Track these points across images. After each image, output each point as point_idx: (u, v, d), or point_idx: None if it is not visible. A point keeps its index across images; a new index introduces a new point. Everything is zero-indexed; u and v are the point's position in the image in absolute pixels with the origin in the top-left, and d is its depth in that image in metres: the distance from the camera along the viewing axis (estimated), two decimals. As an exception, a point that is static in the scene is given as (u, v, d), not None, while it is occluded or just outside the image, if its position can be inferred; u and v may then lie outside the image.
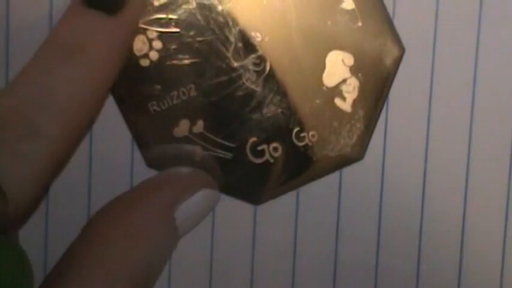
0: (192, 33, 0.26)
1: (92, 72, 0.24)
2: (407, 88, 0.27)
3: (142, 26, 0.26)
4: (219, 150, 0.27)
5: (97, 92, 0.24)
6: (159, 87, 0.26)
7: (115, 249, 0.25)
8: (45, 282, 0.25)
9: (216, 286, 0.28)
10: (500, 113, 0.27)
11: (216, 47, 0.26)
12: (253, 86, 0.26)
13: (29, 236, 0.27)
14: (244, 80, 0.26)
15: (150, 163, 0.27)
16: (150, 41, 0.26)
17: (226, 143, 0.27)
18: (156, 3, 0.26)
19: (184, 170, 0.27)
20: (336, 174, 0.27)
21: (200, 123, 0.27)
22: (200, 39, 0.26)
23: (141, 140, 0.27)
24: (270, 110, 0.27)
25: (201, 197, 0.26)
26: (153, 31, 0.26)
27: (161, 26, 0.26)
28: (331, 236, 0.28)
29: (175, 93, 0.26)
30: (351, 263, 0.28)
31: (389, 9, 0.27)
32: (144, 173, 0.27)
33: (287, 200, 0.27)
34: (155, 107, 0.26)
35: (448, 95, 0.27)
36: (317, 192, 0.27)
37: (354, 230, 0.28)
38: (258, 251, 0.28)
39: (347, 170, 0.27)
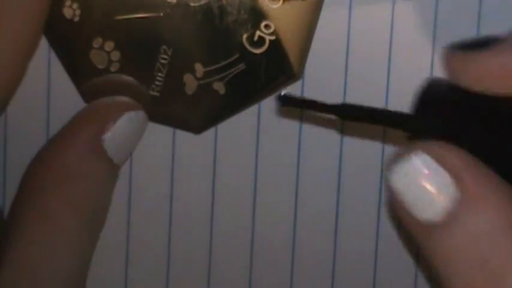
0: (123, 11, 0.26)
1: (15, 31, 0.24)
2: (406, 85, 0.26)
3: (83, 47, 0.26)
4: (232, 70, 0.27)
5: (22, 51, 0.25)
6: (143, 75, 0.27)
7: (55, 192, 0.25)
8: None
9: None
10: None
11: (148, 3, 0.26)
12: (203, 1, 0.26)
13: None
14: (191, 3, 0.26)
15: (86, 98, 0.27)
16: (101, 49, 0.26)
17: (230, 59, 0.26)
18: (76, 19, 0.26)
19: (103, 100, 0.26)
20: (335, 171, 0.27)
21: (198, 66, 0.27)
22: (133, 9, 0.26)
23: (172, 121, 0.27)
24: (232, 3, 0.26)
25: (125, 121, 0.26)
26: (97, 39, 0.26)
27: (99, 32, 0.26)
28: (330, 221, 0.28)
29: (158, 65, 0.27)
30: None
31: None
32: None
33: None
34: (157, 89, 0.27)
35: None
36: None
37: (353, 225, 0.28)
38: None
39: (346, 170, 0.27)
